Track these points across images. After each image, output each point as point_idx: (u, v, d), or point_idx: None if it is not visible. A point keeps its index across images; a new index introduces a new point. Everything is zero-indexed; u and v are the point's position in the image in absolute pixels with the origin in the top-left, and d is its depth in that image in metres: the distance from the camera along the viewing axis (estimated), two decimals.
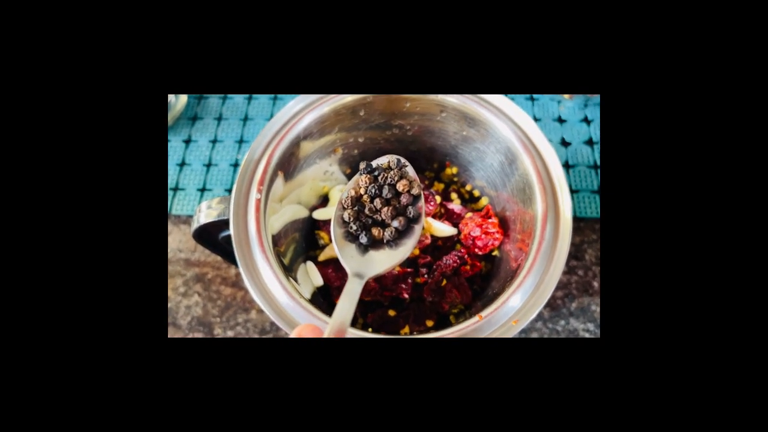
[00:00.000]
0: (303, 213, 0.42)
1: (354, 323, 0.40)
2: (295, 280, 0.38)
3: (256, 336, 0.48)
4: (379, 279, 0.39)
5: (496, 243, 0.40)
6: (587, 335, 0.48)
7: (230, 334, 0.49)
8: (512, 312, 0.31)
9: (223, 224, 0.33)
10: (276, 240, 0.36)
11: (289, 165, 0.37)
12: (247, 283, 0.31)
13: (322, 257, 0.40)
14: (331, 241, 0.41)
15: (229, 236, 0.32)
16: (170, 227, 0.53)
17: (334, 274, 0.39)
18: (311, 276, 0.39)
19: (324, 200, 0.44)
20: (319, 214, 0.42)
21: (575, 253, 0.52)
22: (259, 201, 0.33)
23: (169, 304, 0.50)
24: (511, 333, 0.29)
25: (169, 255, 0.52)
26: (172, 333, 0.49)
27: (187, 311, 0.50)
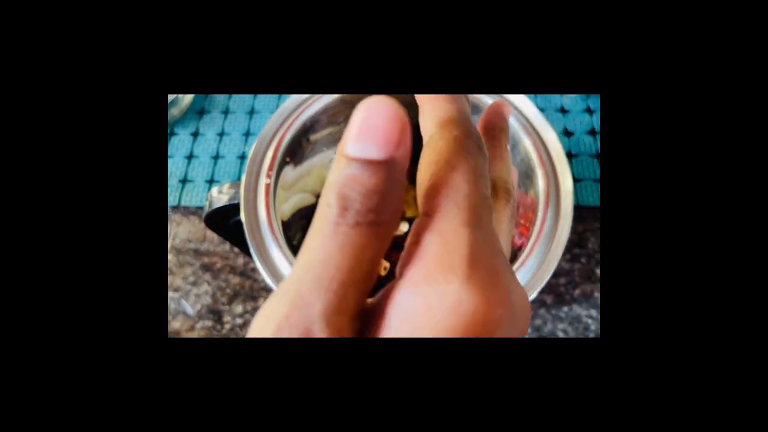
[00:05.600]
0: (310, 200, 0.43)
1: None
2: None
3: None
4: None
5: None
6: (590, 321, 0.49)
7: (239, 321, 0.50)
8: None
9: (234, 209, 0.34)
10: (285, 226, 0.37)
11: (296, 152, 0.38)
12: (258, 265, 0.32)
13: None
14: None
15: (239, 221, 0.33)
16: (179, 218, 0.55)
17: None
18: None
19: None
20: None
21: (578, 241, 0.53)
22: (269, 186, 0.34)
23: (179, 293, 0.51)
24: None
25: (179, 245, 0.53)
26: (181, 321, 0.50)
27: (197, 299, 0.51)
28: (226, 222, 0.36)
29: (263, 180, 0.34)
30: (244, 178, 0.34)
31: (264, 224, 0.33)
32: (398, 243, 0.41)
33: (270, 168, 0.34)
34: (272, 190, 0.34)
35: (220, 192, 0.34)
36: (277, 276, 0.33)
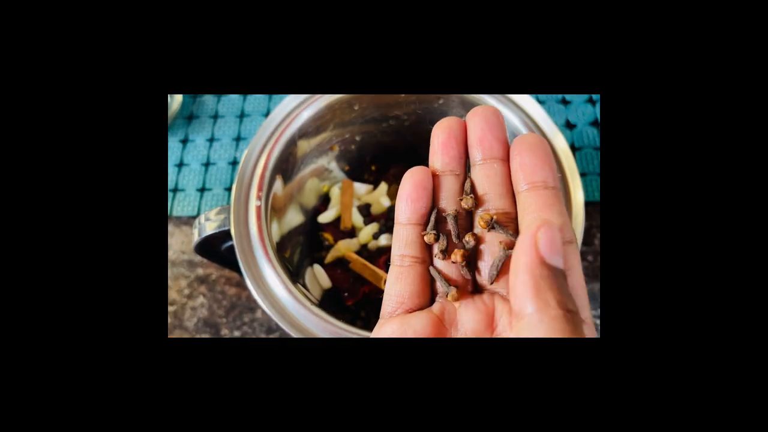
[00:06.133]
0: (301, 219, 0.41)
1: (354, 321, 0.40)
2: (304, 285, 0.37)
3: (263, 335, 0.48)
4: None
5: None
6: (597, 321, 0.48)
7: (237, 334, 0.48)
8: None
9: (225, 235, 0.32)
10: (281, 246, 0.35)
11: (287, 167, 0.36)
12: (253, 292, 0.31)
13: (329, 258, 0.40)
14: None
15: (231, 246, 0.31)
16: (172, 229, 0.53)
17: (343, 275, 0.39)
18: (319, 279, 0.38)
19: (325, 200, 0.43)
20: (324, 218, 0.41)
21: (584, 238, 0.51)
22: (260, 208, 0.32)
23: (174, 307, 0.50)
24: None
25: (173, 257, 0.52)
26: (179, 335, 0.49)
27: (193, 313, 0.50)
28: (217, 248, 0.34)
29: (253, 202, 0.32)
30: (233, 202, 0.32)
31: (257, 248, 0.32)
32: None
33: (259, 188, 0.33)
34: (264, 212, 0.32)
35: (208, 219, 0.32)
36: (272, 299, 0.31)
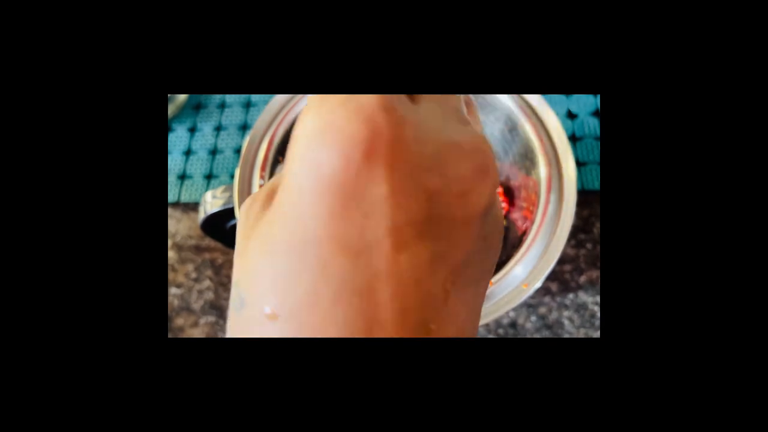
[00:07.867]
0: None
1: None
2: None
3: None
4: None
5: (503, 212, 0.40)
6: (596, 308, 0.49)
7: None
8: (521, 278, 0.31)
9: (230, 213, 0.33)
10: None
11: None
12: None
13: None
14: None
15: (235, 225, 0.32)
16: (179, 215, 0.54)
17: None
18: None
19: None
20: None
21: (583, 226, 0.52)
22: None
23: (182, 290, 0.51)
24: (522, 297, 0.30)
25: (180, 242, 0.53)
26: (185, 317, 0.50)
27: (199, 296, 0.51)
28: (222, 226, 0.35)
29: (257, 181, 0.33)
30: (237, 180, 0.33)
31: None
32: None
33: (263, 168, 0.34)
34: None
35: (214, 197, 0.33)
36: None
